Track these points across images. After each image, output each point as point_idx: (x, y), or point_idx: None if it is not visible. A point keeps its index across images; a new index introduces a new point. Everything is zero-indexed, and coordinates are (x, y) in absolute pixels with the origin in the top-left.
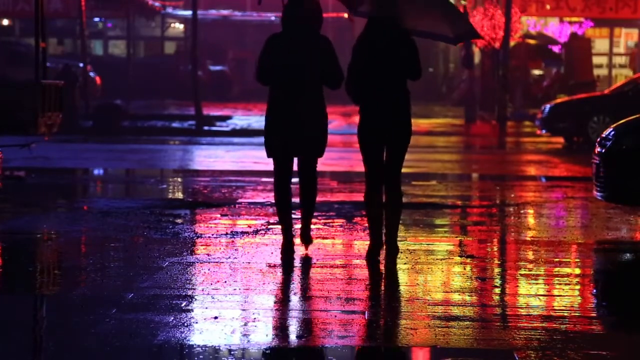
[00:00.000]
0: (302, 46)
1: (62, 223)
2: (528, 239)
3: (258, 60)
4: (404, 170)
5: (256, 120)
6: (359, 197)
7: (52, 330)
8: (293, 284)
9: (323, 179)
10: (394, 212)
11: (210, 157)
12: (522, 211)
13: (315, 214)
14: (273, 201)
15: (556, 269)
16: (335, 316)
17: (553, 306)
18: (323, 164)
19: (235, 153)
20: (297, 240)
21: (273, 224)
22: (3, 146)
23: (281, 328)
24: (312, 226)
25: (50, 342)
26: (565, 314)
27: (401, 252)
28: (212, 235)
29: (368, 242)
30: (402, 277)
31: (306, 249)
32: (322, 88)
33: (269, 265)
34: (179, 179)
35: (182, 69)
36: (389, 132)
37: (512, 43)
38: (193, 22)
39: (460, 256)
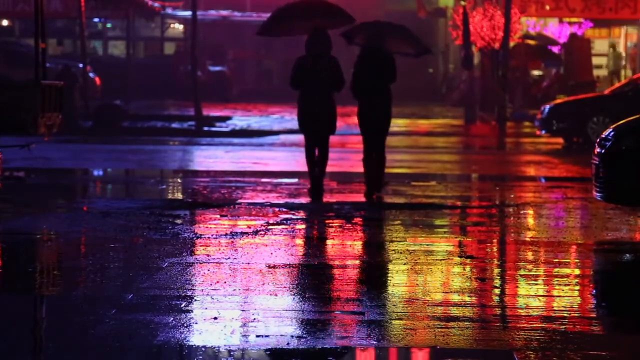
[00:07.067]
0: (319, 64)
1: (62, 223)
2: (528, 239)
3: (291, 73)
4: (403, 170)
5: (256, 120)
6: (359, 197)
7: (52, 330)
8: (292, 284)
9: None
10: (378, 166)
11: (210, 158)
12: (521, 212)
13: (315, 214)
14: (274, 201)
15: (556, 270)
16: (335, 316)
17: (553, 307)
18: None
19: (235, 154)
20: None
21: (272, 224)
22: (3, 146)
23: (281, 328)
24: (312, 227)
25: (49, 342)
26: (565, 315)
27: (401, 253)
28: (212, 235)
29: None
30: (402, 278)
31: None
32: (332, 90)
33: (269, 266)
34: (179, 180)
35: (182, 69)
36: (375, 117)
37: (511, 44)
38: (193, 23)
39: (460, 257)
